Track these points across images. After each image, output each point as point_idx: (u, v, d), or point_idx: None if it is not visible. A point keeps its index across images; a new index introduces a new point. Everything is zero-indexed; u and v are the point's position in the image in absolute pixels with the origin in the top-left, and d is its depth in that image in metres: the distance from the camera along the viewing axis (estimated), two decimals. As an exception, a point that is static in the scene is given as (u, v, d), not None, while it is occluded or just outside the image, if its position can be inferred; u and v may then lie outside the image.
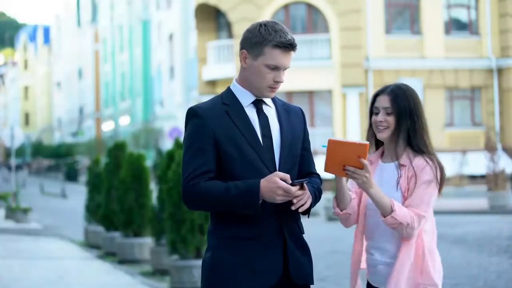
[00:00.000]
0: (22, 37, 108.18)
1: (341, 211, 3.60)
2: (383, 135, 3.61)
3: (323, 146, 3.44)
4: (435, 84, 33.88)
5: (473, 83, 34.26)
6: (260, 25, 3.49)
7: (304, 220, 3.69)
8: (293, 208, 3.40)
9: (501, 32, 34.24)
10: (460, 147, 31.99)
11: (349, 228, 3.82)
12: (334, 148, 3.36)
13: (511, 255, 12.31)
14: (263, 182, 3.36)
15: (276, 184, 3.34)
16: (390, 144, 3.63)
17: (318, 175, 3.65)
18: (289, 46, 3.47)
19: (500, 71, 34.04)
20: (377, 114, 3.63)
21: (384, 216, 3.46)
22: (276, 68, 3.47)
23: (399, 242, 3.55)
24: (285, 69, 3.50)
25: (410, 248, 3.51)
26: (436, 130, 33.69)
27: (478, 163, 28.44)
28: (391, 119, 3.58)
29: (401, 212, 3.45)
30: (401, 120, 3.57)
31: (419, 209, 3.48)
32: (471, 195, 27.90)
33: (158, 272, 11.32)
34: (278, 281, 3.47)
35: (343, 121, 32.99)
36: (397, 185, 3.54)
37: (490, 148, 21.73)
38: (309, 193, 3.44)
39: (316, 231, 16.44)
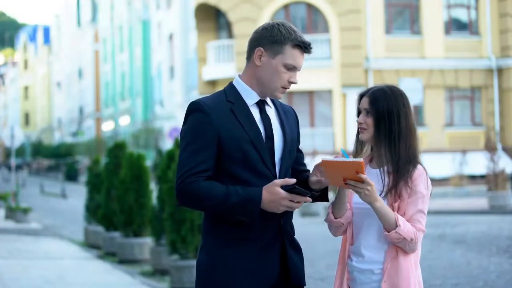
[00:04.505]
0: (22, 37, 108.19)
1: (335, 218, 3.57)
2: (363, 136, 3.57)
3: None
4: (435, 84, 33.88)
5: (473, 83, 34.26)
6: (278, 24, 3.45)
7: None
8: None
9: (501, 32, 34.24)
10: (460, 147, 31.97)
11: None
12: (329, 168, 3.36)
13: (511, 255, 12.30)
14: (265, 193, 3.32)
15: (279, 195, 3.31)
16: (376, 148, 3.58)
17: (309, 170, 3.62)
18: (308, 47, 3.45)
19: (500, 71, 34.04)
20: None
21: (388, 231, 3.41)
22: (292, 69, 3.43)
23: (378, 250, 3.50)
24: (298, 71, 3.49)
25: (398, 260, 3.46)
26: (436, 130, 33.71)
27: (478, 163, 28.42)
28: (369, 121, 3.52)
29: (405, 227, 3.40)
30: (380, 122, 3.50)
31: (421, 224, 3.46)
32: (471, 195, 27.90)
33: (158, 272, 11.32)
34: (275, 283, 3.44)
35: (343, 121, 32.98)
36: (383, 193, 3.48)
37: (490, 148, 21.72)
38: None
39: (316, 231, 16.43)
